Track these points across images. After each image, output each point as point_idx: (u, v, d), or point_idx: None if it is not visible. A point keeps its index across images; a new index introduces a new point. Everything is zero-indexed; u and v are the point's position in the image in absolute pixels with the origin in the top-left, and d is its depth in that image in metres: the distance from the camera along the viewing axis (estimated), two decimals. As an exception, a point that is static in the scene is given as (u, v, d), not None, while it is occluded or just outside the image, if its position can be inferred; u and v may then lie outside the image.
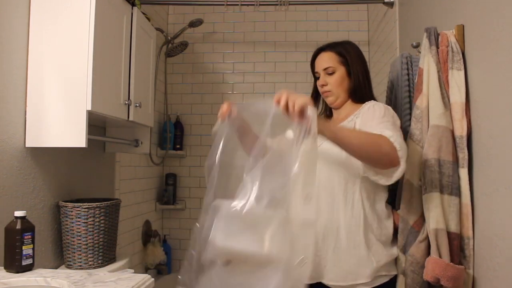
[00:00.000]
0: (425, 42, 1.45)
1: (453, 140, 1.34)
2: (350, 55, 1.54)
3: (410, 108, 1.59)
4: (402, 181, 1.44)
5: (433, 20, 1.72)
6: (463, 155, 1.32)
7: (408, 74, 1.69)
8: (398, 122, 1.41)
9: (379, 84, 2.83)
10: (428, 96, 1.40)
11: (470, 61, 1.36)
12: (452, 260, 1.27)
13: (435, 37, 1.43)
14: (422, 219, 1.37)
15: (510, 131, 1.13)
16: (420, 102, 1.43)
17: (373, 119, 1.38)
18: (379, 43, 2.87)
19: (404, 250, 1.42)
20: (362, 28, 3.28)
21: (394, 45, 2.40)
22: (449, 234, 1.29)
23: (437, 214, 1.29)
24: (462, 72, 1.36)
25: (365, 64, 1.57)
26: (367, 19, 3.28)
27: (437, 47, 1.42)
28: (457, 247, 1.30)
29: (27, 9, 1.63)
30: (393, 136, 1.24)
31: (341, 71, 1.54)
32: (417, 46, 1.64)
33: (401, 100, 1.69)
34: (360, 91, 1.54)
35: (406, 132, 1.50)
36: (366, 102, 1.52)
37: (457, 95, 1.35)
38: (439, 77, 1.39)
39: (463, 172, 1.32)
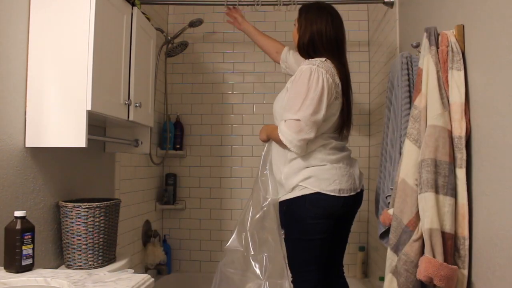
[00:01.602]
0: (425, 42, 1.45)
1: (450, 141, 1.34)
2: (305, 13, 1.89)
3: (410, 109, 1.59)
4: (397, 180, 1.45)
5: (433, 20, 1.72)
6: (461, 155, 1.32)
7: (408, 74, 1.69)
8: (313, 97, 1.70)
9: (379, 84, 2.83)
10: (427, 96, 1.40)
11: (470, 61, 1.36)
12: (445, 260, 1.27)
13: (435, 37, 1.43)
14: (416, 218, 1.37)
15: (510, 131, 1.13)
16: (418, 102, 1.44)
17: (285, 98, 1.80)
18: (379, 43, 2.87)
19: (396, 249, 1.43)
20: (362, 28, 3.28)
21: (394, 45, 2.40)
22: (443, 234, 1.29)
23: (432, 214, 1.29)
24: (462, 72, 1.36)
25: (322, 24, 1.83)
26: (367, 19, 3.28)
27: (437, 47, 1.42)
28: (451, 247, 1.30)
29: (27, 9, 1.63)
30: (282, 130, 1.73)
31: (295, 27, 1.94)
32: (417, 46, 1.64)
33: (401, 100, 1.69)
34: (302, 48, 1.88)
35: (405, 133, 1.50)
36: (302, 62, 1.82)
37: (456, 96, 1.35)
38: (438, 77, 1.39)
39: (461, 172, 1.32)
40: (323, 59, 1.80)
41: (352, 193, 1.81)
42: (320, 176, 1.77)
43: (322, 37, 1.84)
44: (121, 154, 2.47)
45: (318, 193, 1.75)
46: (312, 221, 1.78)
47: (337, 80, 1.79)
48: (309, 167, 1.79)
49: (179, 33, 3.08)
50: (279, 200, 1.88)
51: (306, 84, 1.71)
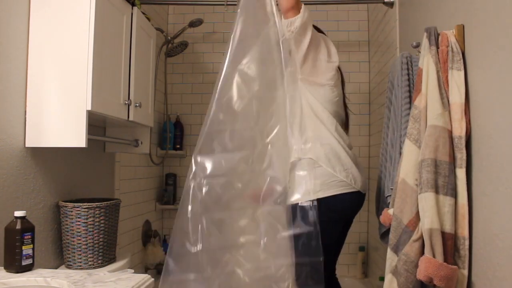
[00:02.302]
0: (425, 42, 1.45)
1: (451, 141, 1.34)
2: None
3: (410, 109, 1.59)
4: (397, 180, 1.46)
5: (433, 20, 1.72)
6: (461, 155, 1.33)
7: (408, 74, 1.69)
8: (321, 38, 1.80)
9: (379, 84, 2.83)
10: (427, 96, 1.40)
11: (470, 61, 1.36)
12: (445, 260, 1.27)
13: (435, 37, 1.43)
14: (416, 218, 1.37)
15: (510, 131, 1.13)
16: (418, 102, 1.44)
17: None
18: (379, 43, 2.87)
19: (396, 249, 1.43)
20: (362, 28, 3.28)
21: (394, 45, 2.40)
22: (443, 234, 1.29)
23: (432, 214, 1.29)
24: (462, 72, 1.36)
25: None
26: (367, 19, 3.28)
27: (437, 47, 1.42)
28: (451, 247, 1.30)
29: (27, 9, 1.63)
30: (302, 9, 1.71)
31: None
32: (417, 46, 1.64)
33: (401, 100, 1.69)
34: None
35: (405, 133, 1.50)
36: None
37: (456, 96, 1.35)
38: (438, 77, 1.39)
39: (461, 172, 1.32)
40: None
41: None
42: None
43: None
44: (121, 154, 2.47)
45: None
46: None
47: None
48: None
49: (179, 33, 3.08)
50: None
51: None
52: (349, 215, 1.84)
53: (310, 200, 1.68)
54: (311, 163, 1.71)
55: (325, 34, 1.94)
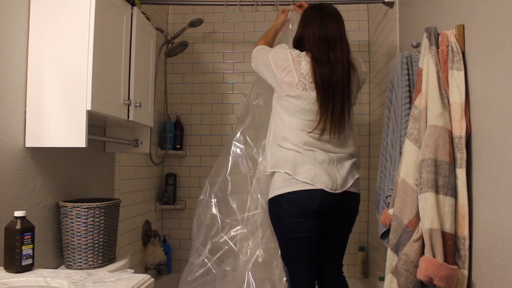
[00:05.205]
0: (425, 42, 1.45)
1: (451, 141, 1.34)
2: (302, 15, 2.05)
3: (410, 109, 1.59)
4: (397, 180, 1.46)
5: (433, 20, 1.72)
6: (461, 155, 1.33)
7: (408, 74, 1.69)
8: (271, 59, 1.93)
9: (379, 84, 2.83)
10: (427, 96, 1.40)
11: (470, 61, 1.36)
12: (445, 260, 1.27)
13: (435, 37, 1.43)
14: (416, 218, 1.37)
15: (510, 131, 1.13)
16: (418, 102, 1.44)
17: None
18: (379, 43, 2.87)
19: (396, 249, 1.43)
20: (362, 28, 3.28)
21: (394, 45, 2.40)
22: (443, 234, 1.29)
23: (432, 214, 1.29)
24: (462, 72, 1.36)
25: (311, 26, 1.92)
26: (367, 19, 3.28)
27: (437, 47, 1.42)
28: (451, 247, 1.30)
29: (27, 9, 1.63)
30: (257, 46, 2.11)
31: None
32: (417, 46, 1.64)
33: (401, 100, 1.69)
34: (293, 44, 2.05)
35: (405, 133, 1.50)
36: None
37: (456, 95, 1.35)
38: (438, 77, 1.39)
39: (461, 173, 1.32)
40: (304, 52, 1.90)
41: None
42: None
43: (310, 38, 1.90)
44: (121, 154, 2.47)
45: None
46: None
47: (305, 71, 1.84)
48: None
49: (179, 33, 3.08)
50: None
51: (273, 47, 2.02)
52: (318, 211, 1.78)
53: (273, 196, 1.84)
54: (277, 174, 1.86)
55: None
